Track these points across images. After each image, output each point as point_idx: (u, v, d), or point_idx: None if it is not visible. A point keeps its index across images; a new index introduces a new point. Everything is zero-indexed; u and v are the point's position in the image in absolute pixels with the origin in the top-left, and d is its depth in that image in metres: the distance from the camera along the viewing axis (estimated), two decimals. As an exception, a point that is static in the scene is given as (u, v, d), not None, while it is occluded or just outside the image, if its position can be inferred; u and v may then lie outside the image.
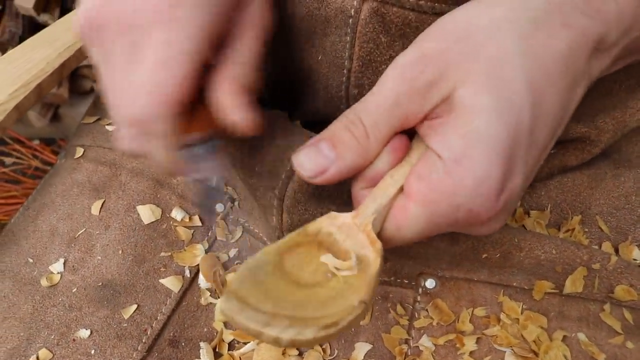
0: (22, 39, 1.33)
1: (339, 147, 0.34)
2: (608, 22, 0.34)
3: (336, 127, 0.35)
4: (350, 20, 0.42)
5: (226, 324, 0.47)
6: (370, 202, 0.36)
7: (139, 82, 0.34)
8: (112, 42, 0.35)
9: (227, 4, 0.36)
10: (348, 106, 0.38)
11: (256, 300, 0.33)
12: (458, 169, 0.32)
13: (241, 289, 0.33)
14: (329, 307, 0.33)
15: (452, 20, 0.34)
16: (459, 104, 0.32)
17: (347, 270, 0.34)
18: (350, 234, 0.36)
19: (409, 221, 0.34)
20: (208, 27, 0.35)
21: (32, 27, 1.37)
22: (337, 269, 0.35)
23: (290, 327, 0.32)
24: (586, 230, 0.49)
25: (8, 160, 1.49)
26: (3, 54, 1.35)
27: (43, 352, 0.44)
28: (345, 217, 0.36)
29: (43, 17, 1.32)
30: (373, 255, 0.35)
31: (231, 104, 0.37)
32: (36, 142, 1.57)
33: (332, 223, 0.37)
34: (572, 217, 0.49)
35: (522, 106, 0.32)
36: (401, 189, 0.36)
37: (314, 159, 0.35)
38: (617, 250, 0.48)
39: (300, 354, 0.45)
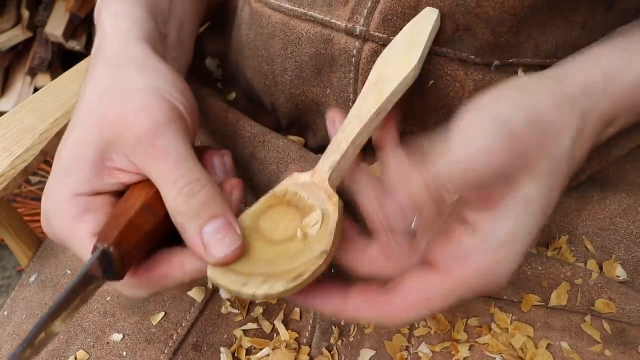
0: (50, 64, 1.39)
1: None
2: None
3: None
4: (353, 59, 0.46)
5: (245, 332, 0.49)
6: (325, 159, 0.39)
7: None
8: None
9: None
10: None
11: (236, 264, 0.36)
12: (500, 255, 0.34)
13: None
14: (297, 260, 0.36)
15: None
16: (519, 194, 0.34)
17: (315, 226, 0.37)
18: (312, 191, 0.39)
19: (438, 297, 0.34)
20: None
21: (60, 53, 1.42)
22: (306, 227, 0.38)
23: (264, 282, 0.34)
24: (573, 249, 0.50)
25: (34, 178, 1.54)
26: (33, 78, 1.41)
27: (80, 353, 0.47)
28: (305, 176, 0.39)
29: (71, 44, 1.36)
30: (332, 208, 0.37)
31: None
32: (60, 162, 1.61)
33: (295, 183, 0.39)
34: (559, 237, 0.51)
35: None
36: (355, 145, 0.39)
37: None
38: (601, 267, 0.49)
39: (311, 359, 0.48)
